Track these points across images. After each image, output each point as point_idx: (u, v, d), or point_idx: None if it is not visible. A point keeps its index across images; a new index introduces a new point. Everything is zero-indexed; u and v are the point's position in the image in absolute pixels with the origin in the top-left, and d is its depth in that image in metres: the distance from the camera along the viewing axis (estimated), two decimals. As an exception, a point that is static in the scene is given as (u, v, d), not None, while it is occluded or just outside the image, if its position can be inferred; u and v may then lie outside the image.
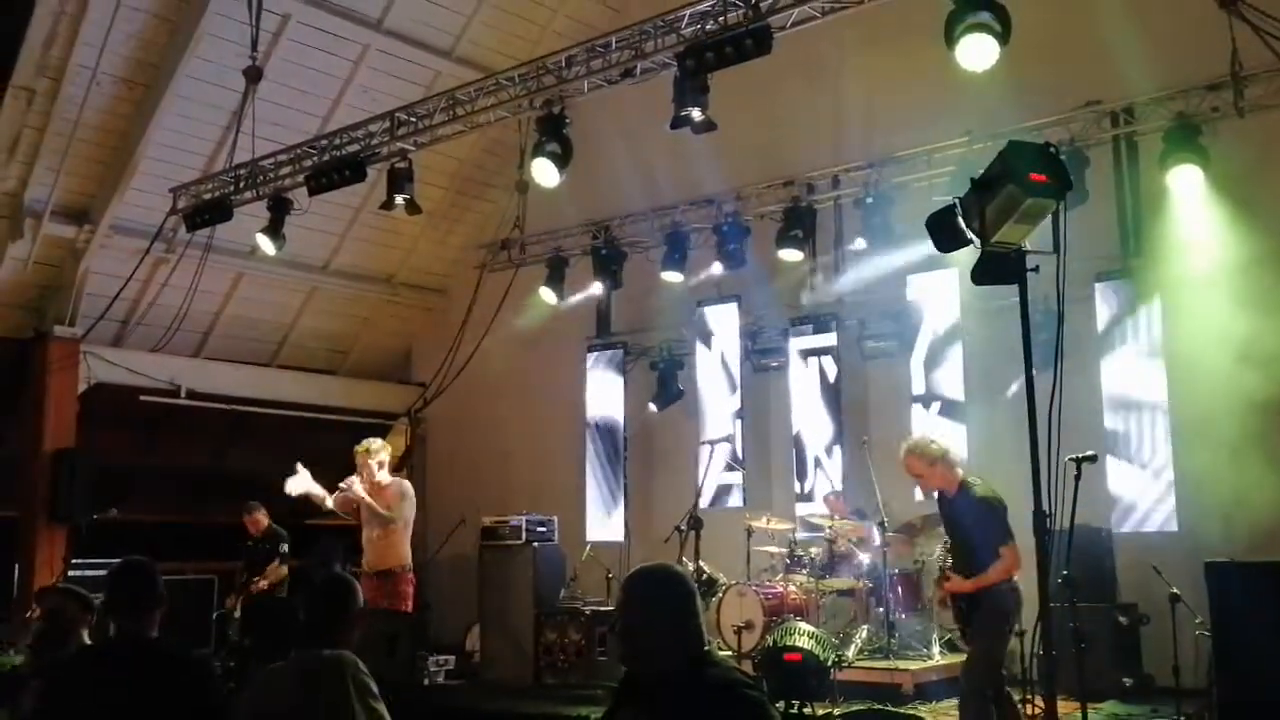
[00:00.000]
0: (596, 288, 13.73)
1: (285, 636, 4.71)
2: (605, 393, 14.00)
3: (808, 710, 8.55)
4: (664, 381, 13.42)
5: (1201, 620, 7.59)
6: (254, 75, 11.63)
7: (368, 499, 9.31)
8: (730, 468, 12.22)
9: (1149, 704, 8.84)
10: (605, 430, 13.92)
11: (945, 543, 7.84)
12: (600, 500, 13.76)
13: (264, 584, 11.76)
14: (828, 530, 10.69)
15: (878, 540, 10.21)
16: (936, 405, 11.28)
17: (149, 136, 12.53)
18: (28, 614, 11.47)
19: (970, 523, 7.17)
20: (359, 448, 9.72)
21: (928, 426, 11.20)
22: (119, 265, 12.97)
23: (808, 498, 12.09)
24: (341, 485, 9.46)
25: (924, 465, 7.33)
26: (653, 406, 13.40)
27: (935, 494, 7.57)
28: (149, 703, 4.37)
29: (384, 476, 9.53)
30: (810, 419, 12.25)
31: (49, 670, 4.95)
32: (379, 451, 9.61)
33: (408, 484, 9.82)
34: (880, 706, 8.99)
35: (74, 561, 12.04)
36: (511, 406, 14.75)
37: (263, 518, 12.10)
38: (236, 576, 12.33)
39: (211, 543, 13.26)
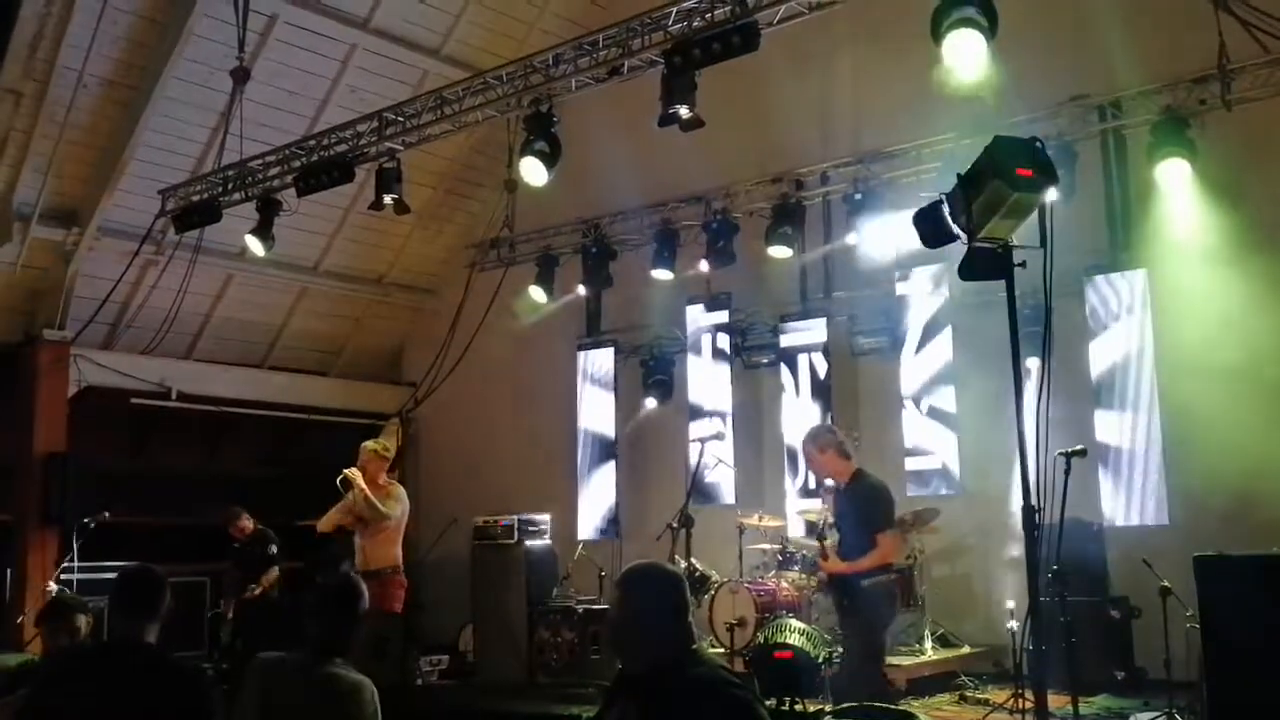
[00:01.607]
0: (586, 286, 13.70)
1: (278, 637, 4.73)
2: (596, 391, 14.03)
3: (799, 707, 8.55)
4: (654, 379, 13.41)
5: (1192, 613, 7.56)
6: (241, 76, 11.65)
7: (369, 491, 9.42)
8: (719, 462, 12.21)
9: (1141, 697, 8.85)
10: (596, 428, 13.95)
11: (826, 519, 7.98)
12: (591, 498, 13.80)
13: (258, 591, 11.69)
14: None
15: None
16: (926, 400, 11.30)
17: (137, 138, 12.51)
18: (19, 619, 11.48)
19: (855, 510, 7.40)
20: (375, 446, 9.84)
21: (917, 422, 11.28)
22: (108, 268, 12.94)
23: (806, 494, 12.09)
24: (347, 472, 9.54)
25: (815, 450, 7.62)
26: (652, 399, 13.40)
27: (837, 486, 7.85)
28: (140, 708, 4.36)
29: (383, 479, 9.73)
30: (801, 416, 12.25)
31: (42, 670, 4.94)
32: (390, 454, 9.82)
33: (401, 488, 9.94)
34: (872, 702, 8.99)
35: (65, 565, 12.01)
36: (503, 406, 14.76)
37: (247, 522, 12.07)
38: (227, 579, 12.26)
39: (203, 544, 13.23)
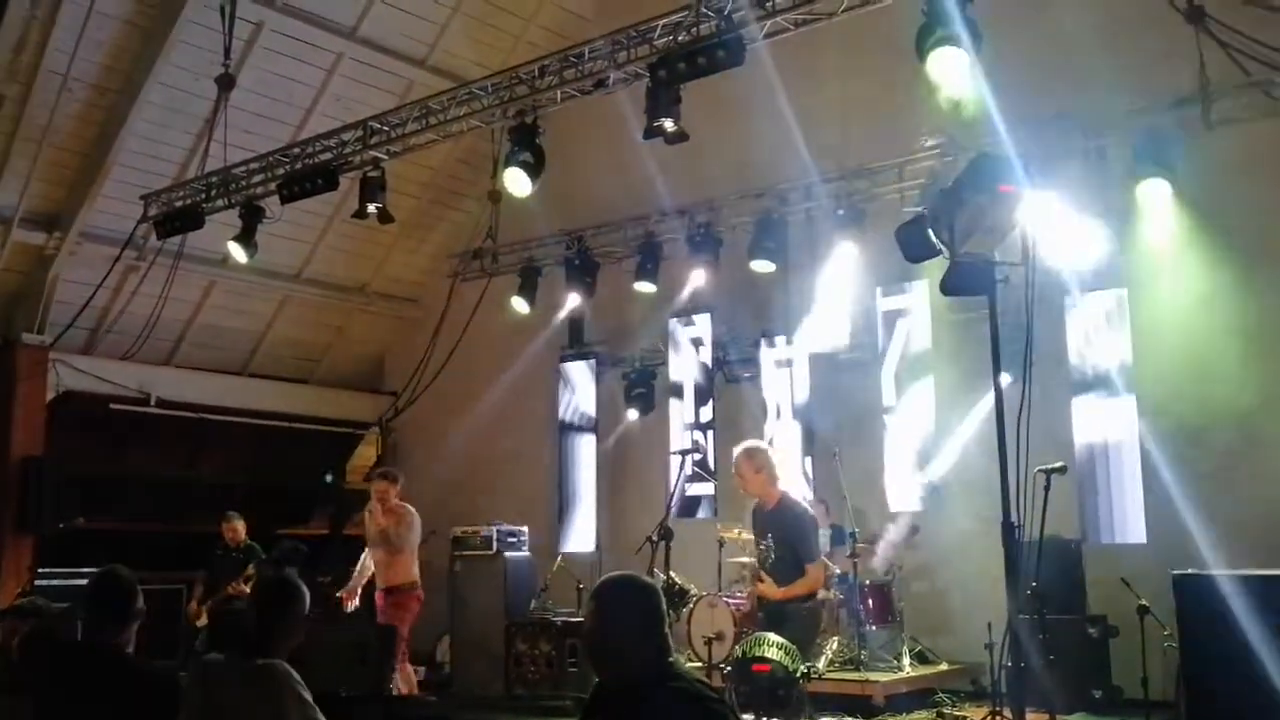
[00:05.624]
0: (569, 298, 13.68)
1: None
2: (577, 403, 14.02)
3: (777, 721, 8.53)
4: (636, 392, 13.39)
5: (1170, 632, 7.61)
6: (226, 83, 11.62)
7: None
8: (697, 476, 12.19)
9: (1117, 716, 8.85)
10: (577, 440, 13.93)
11: (762, 544, 7.99)
12: (571, 511, 13.78)
13: (243, 589, 11.54)
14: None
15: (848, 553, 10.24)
16: (906, 415, 11.30)
17: (120, 143, 12.48)
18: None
19: (783, 536, 7.45)
20: (385, 476, 10.15)
21: (897, 436, 11.29)
22: (89, 273, 12.89)
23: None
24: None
25: (750, 470, 7.65)
26: (633, 412, 13.37)
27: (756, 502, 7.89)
28: (107, 711, 4.33)
29: (394, 502, 10.02)
30: (782, 430, 12.25)
31: (35, 679, 4.88)
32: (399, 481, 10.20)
33: (413, 511, 10.10)
34: (850, 718, 8.99)
35: (41, 571, 11.94)
36: (484, 417, 14.69)
37: (241, 528, 11.97)
38: (198, 585, 12.13)
39: (181, 552, 13.14)
